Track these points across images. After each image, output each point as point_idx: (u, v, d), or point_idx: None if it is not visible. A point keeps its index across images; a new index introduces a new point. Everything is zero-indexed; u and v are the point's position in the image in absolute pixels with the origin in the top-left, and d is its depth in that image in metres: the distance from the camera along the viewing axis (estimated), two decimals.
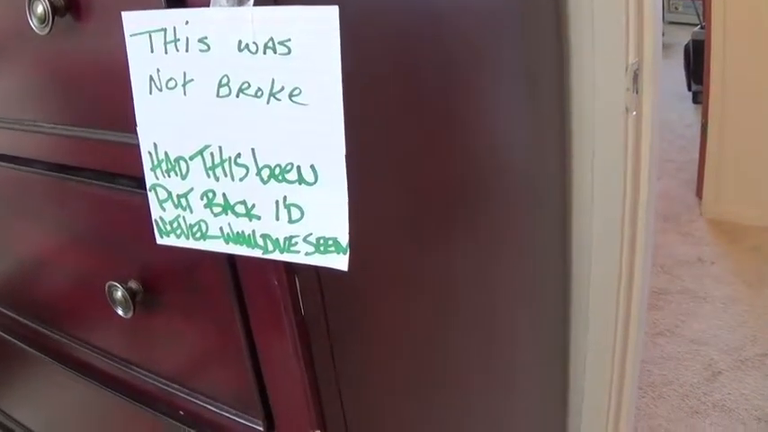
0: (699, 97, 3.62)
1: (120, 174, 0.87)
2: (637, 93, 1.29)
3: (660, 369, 2.61)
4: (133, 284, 0.92)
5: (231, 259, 0.79)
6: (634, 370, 1.62)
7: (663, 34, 5.93)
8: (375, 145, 0.87)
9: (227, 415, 0.93)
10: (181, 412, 1.01)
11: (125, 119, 0.76)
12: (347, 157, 0.65)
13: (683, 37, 4.96)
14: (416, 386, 1.03)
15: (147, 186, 0.78)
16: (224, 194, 0.73)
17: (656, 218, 3.39)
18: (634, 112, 1.28)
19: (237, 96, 0.68)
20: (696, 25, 4.98)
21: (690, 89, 4.79)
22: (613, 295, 1.48)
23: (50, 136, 0.93)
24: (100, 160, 0.90)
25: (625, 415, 1.67)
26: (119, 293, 0.92)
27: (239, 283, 0.80)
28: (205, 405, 0.96)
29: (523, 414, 1.42)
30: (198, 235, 0.76)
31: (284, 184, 0.69)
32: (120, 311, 0.93)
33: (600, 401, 1.61)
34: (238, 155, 0.70)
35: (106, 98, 0.83)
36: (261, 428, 0.89)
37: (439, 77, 0.97)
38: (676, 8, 6.78)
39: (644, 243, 1.46)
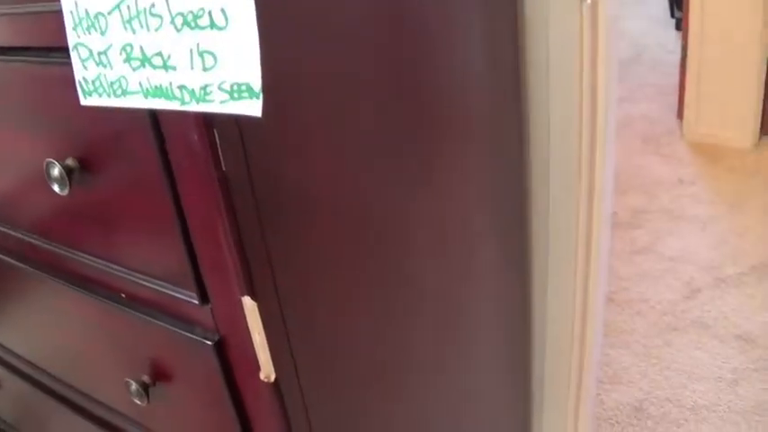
0: (681, 24, 3.60)
1: (53, 47, 0.86)
2: None
3: (638, 286, 2.62)
4: (70, 161, 0.91)
5: (156, 124, 0.78)
6: (597, 299, 1.62)
7: None
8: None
9: (165, 291, 0.93)
10: (122, 295, 1.01)
11: None
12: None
13: None
14: (354, 253, 1.03)
15: (70, 46, 0.77)
16: (141, 47, 0.72)
17: (637, 140, 3.40)
18: (588, 1, 1.27)
19: None
20: None
21: (673, 16, 4.76)
22: (573, 217, 1.48)
23: None
24: (32, 36, 0.89)
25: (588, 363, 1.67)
26: (55, 171, 0.91)
27: (165, 149, 0.79)
28: (143, 283, 0.95)
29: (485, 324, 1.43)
30: (119, 92, 0.75)
31: (197, 30, 0.68)
32: (56, 188, 0.92)
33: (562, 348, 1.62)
34: (152, 5, 0.69)
35: None
36: (196, 302, 0.89)
37: None
38: None
39: (604, 151, 1.45)
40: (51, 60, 0.86)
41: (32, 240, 1.11)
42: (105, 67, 0.75)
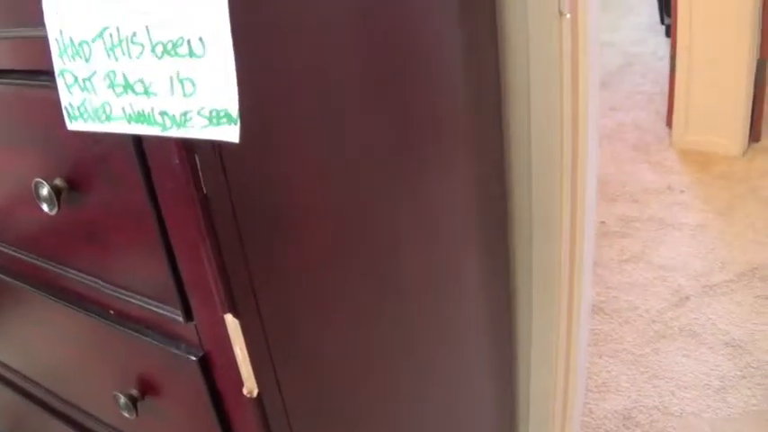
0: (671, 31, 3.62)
1: (40, 70, 0.88)
2: None
3: (627, 295, 2.65)
4: (58, 181, 0.94)
5: (140, 147, 0.81)
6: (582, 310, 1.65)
7: None
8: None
9: (151, 308, 0.96)
10: (111, 311, 1.04)
11: (40, 14, 0.77)
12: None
13: None
14: (334, 269, 1.05)
15: (56, 73, 0.79)
16: (124, 74, 0.74)
17: (627, 148, 3.43)
18: (568, 15, 1.29)
19: None
20: None
21: (663, 22, 4.75)
22: (556, 229, 1.50)
23: None
24: (19, 59, 0.91)
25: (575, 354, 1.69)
26: (44, 190, 0.93)
27: (149, 171, 0.82)
28: (131, 300, 0.98)
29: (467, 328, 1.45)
30: (103, 117, 0.78)
31: (177, 58, 0.70)
32: (45, 208, 0.94)
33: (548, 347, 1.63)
34: (134, 33, 0.71)
35: None
36: (180, 319, 0.91)
37: None
38: None
39: (587, 160, 1.47)
40: (38, 83, 0.89)
41: (22, 256, 1.14)
42: (90, 92, 0.77)
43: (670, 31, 3.60)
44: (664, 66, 3.63)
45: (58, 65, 0.79)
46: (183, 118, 0.72)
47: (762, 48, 3.22)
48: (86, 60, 0.76)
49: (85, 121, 0.79)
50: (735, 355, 2.32)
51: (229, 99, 0.69)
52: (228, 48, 0.67)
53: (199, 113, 0.71)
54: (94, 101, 0.78)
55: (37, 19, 0.78)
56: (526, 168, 1.46)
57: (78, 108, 0.79)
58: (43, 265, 1.11)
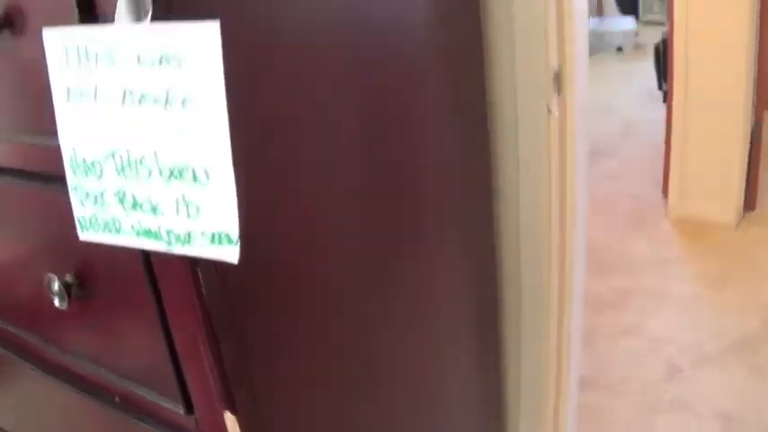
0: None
1: (55, 176, 0.94)
2: (558, 94, 1.36)
3: (620, 368, 2.67)
4: (68, 277, 1.00)
5: (146, 254, 0.87)
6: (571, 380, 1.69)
7: (636, 34, 5.94)
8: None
9: (153, 400, 1.01)
10: (116, 398, 1.09)
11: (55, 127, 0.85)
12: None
13: (657, 36, 5.01)
14: (327, 371, 1.11)
15: (69, 187, 0.86)
16: (133, 194, 0.80)
17: (622, 219, 3.47)
18: (556, 113, 1.36)
19: (140, 104, 0.76)
20: None
21: (660, 88, 4.75)
22: (542, 332, 1.55)
23: None
24: (37, 163, 0.98)
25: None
26: (56, 285, 1.00)
27: (154, 274, 0.88)
28: (135, 391, 1.03)
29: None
30: (113, 230, 0.84)
31: (182, 183, 0.76)
32: (56, 302, 1.00)
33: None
34: (143, 157, 0.78)
35: (40, 106, 0.91)
36: (182, 412, 0.97)
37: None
38: (651, 7, 6.80)
39: (574, 246, 1.53)
40: (53, 187, 0.95)
41: (34, 341, 1.20)
42: (101, 207, 0.84)
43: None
44: (660, 132, 3.67)
45: (71, 180, 0.85)
46: (187, 237, 0.78)
47: (756, 109, 3.28)
48: (98, 177, 0.83)
49: (96, 232, 0.86)
50: (727, 426, 2.34)
51: (230, 223, 0.75)
52: (230, 178, 0.73)
53: (202, 234, 0.77)
54: (105, 215, 0.84)
55: (54, 130, 0.85)
56: (515, 266, 1.52)
57: (90, 220, 0.86)
58: (51, 349, 1.17)
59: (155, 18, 0.73)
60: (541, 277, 1.50)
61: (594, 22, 6.65)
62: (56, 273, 1.00)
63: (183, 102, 0.73)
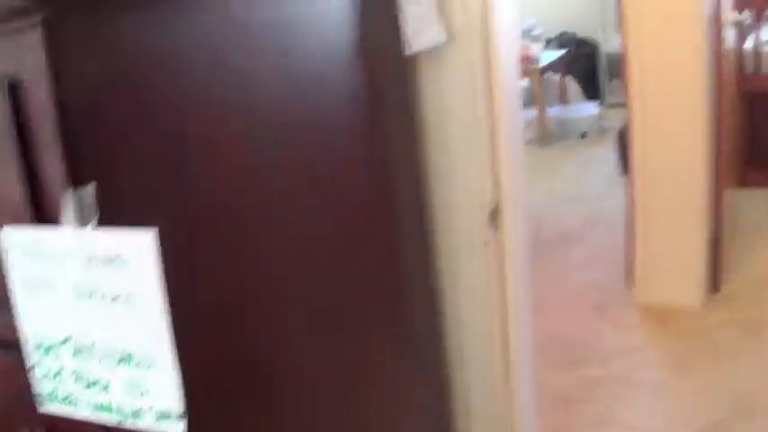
0: None
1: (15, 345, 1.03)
2: (496, 229, 1.46)
3: None
4: None
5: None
6: None
7: (600, 118, 6.03)
8: None
9: None
10: None
11: None
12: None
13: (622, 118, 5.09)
14: None
15: (32, 365, 0.94)
16: (87, 373, 0.89)
17: (588, 308, 3.54)
18: (491, 244, 1.45)
19: (90, 297, 0.85)
20: None
21: (623, 174, 4.79)
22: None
23: None
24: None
25: None
26: None
27: None
28: None
29: None
30: (72, 404, 0.92)
31: (130, 368, 0.85)
32: None
33: None
34: (94, 343, 0.87)
35: None
36: None
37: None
38: (616, 90, 6.68)
39: (520, 375, 1.61)
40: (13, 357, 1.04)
41: None
42: (60, 384, 0.92)
43: None
44: (624, 219, 3.72)
45: (33, 358, 0.94)
46: (137, 413, 0.87)
47: (716, 191, 3.35)
48: (56, 358, 0.91)
49: (56, 404, 0.94)
50: None
51: (175, 402, 0.84)
52: (172, 363, 0.82)
53: (150, 410, 0.86)
54: (63, 391, 0.92)
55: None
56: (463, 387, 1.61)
57: (49, 395, 0.94)
58: None
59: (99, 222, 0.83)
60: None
61: (558, 110, 6.77)
62: (28, 427, 1.08)
63: (127, 298, 0.82)
